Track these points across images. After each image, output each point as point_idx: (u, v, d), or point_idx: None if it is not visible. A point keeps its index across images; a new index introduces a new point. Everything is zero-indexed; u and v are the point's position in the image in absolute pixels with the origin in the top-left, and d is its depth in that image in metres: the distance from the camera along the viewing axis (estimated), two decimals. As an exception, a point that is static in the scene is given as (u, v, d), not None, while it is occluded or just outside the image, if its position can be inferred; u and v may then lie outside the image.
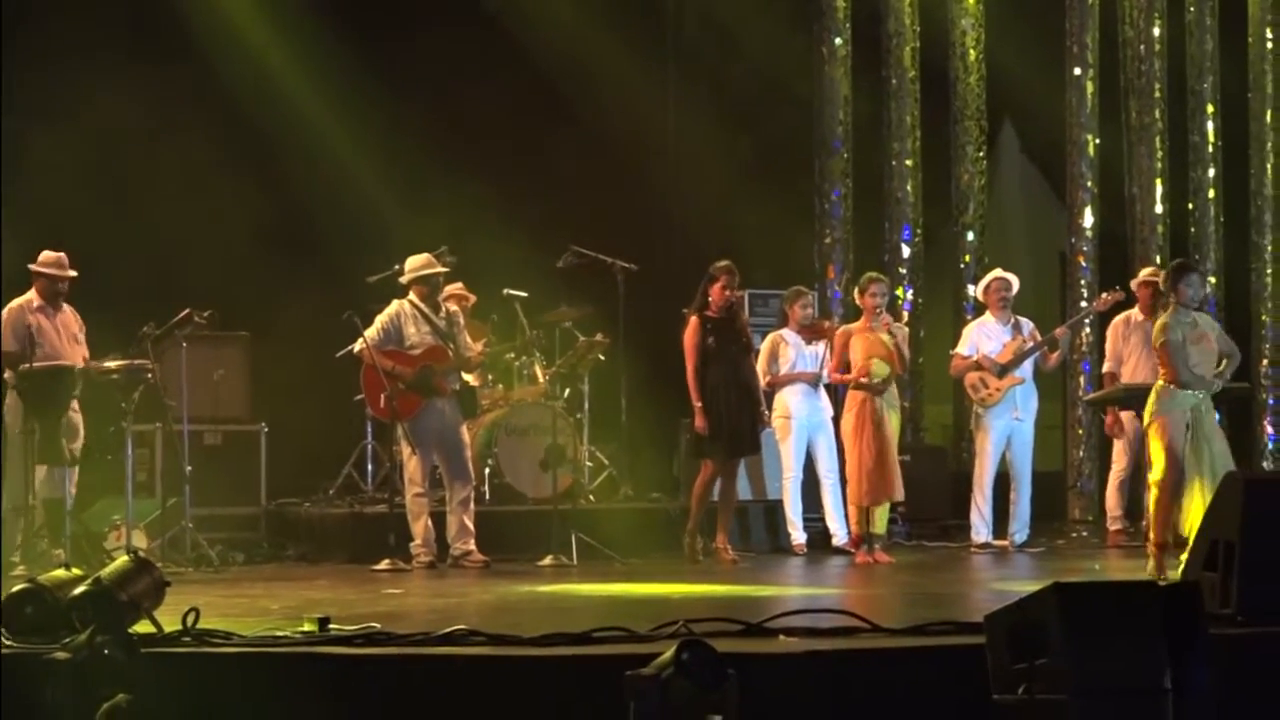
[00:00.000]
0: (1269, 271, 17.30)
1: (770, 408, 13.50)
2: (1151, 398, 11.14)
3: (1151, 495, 11.04)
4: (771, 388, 13.54)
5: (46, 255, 12.53)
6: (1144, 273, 14.40)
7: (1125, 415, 13.89)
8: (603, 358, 14.52)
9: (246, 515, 14.19)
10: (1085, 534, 15.10)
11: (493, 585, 11.20)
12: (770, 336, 13.71)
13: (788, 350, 13.54)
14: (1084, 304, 15.80)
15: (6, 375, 12.12)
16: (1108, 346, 14.27)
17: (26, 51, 14.32)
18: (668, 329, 13.69)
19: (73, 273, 12.55)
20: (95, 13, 15.10)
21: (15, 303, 12.44)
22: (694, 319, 12.94)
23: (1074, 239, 16.71)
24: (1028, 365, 13.70)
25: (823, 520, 13.59)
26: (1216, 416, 11.31)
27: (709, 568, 12.50)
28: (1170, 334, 11.05)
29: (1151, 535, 11.03)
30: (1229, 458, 11.05)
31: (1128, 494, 14.08)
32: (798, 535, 13.50)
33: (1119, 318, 14.21)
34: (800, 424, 13.50)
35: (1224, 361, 11.33)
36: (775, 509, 13.86)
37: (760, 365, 13.47)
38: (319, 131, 15.63)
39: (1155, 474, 11.02)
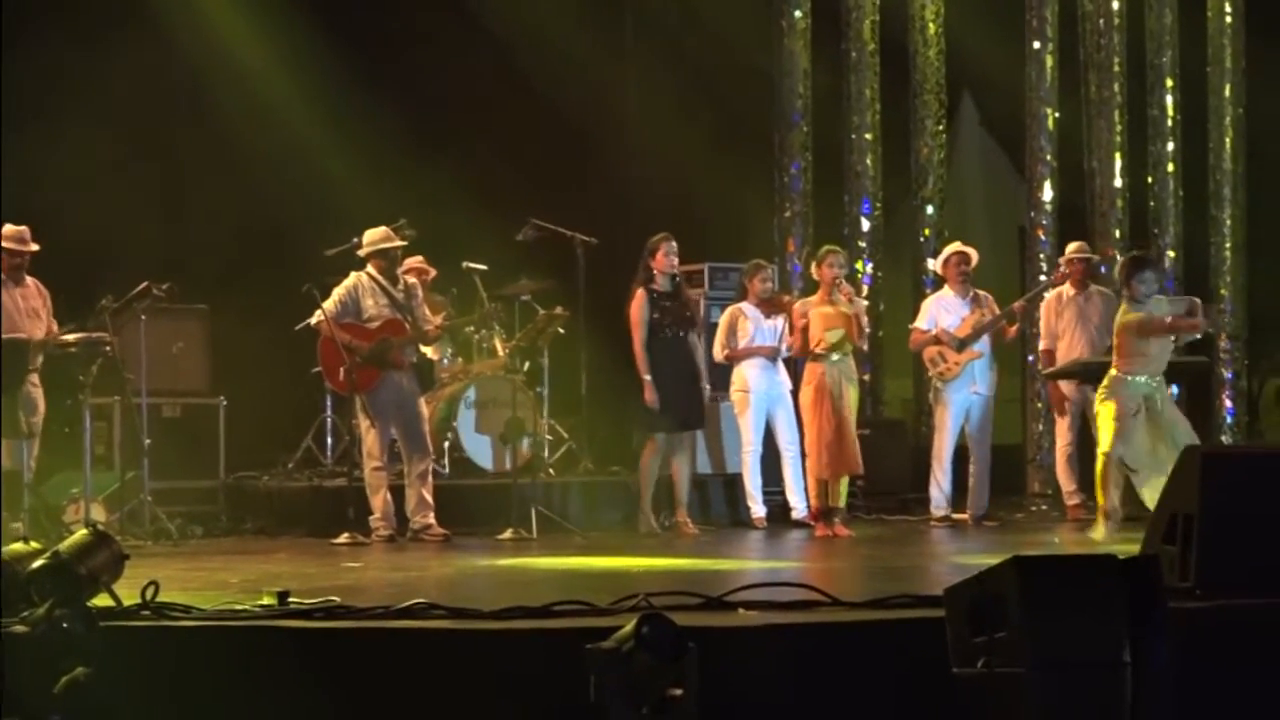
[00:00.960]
0: (1227, 246, 17.40)
1: (729, 381, 13.53)
2: (1104, 384, 11.38)
3: (1099, 464, 11.26)
4: (730, 361, 13.52)
5: (8, 229, 12.40)
6: (1071, 248, 14.38)
7: (1069, 390, 13.94)
8: (562, 331, 14.48)
9: (205, 488, 14.16)
10: (1044, 507, 15.11)
11: (452, 559, 11.19)
12: (729, 310, 13.67)
13: (746, 324, 13.49)
14: (1043, 278, 15.82)
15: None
16: (1041, 324, 14.31)
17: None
18: (627, 302, 13.68)
19: (34, 246, 12.43)
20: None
21: (-28, 277, 12.37)
22: (639, 292, 12.96)
23: (1033, 213, 16.72)
24: (986, 339, 13.71)
25: (782, 494, 13.58)
26: (1174, 392, 11.45)
27: (669, 541, 12.50)
28: (1127, 328, 11.28)
29: (1100, 501, 11.24)
30: (1194, 438, 11.20)
31: (1078, 468, 14.12)
32: (757, 509, 13.47)
33: (1051, 294, 14.22)
34: (759, 397, 13.47)
35: (1189, 316, 11.56)
36: (735, 482, 13.84)
37: (719, 339, 13.48)
38: (278, 105, 15.60)
39: (1102, 445, 11.25)
